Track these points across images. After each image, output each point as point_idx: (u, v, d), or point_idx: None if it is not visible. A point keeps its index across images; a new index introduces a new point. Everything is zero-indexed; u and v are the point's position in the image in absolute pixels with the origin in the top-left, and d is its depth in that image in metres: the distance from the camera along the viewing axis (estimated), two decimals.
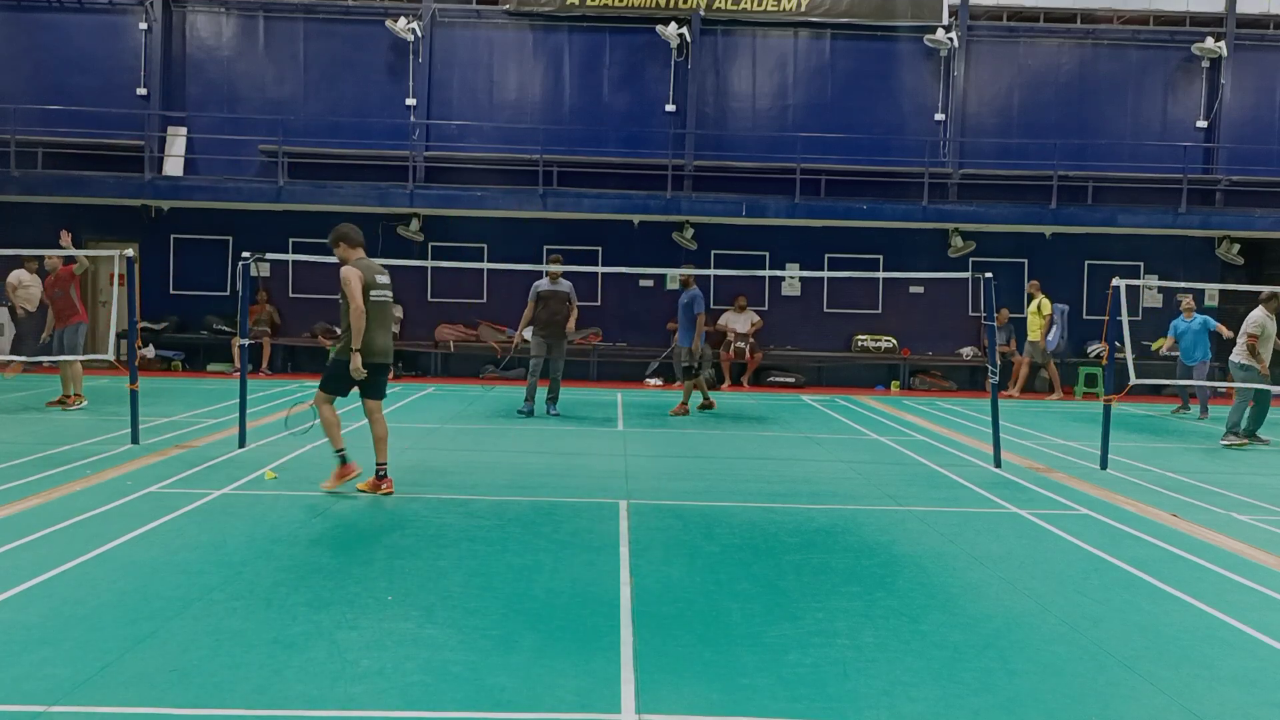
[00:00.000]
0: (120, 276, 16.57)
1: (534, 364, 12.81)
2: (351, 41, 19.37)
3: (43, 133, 18.25)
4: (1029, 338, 17.37)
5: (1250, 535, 6.85)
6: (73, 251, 12.20)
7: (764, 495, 7.91)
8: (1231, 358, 11.97)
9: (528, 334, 13.16)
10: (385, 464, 7.54)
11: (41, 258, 10.53)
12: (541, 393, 12.95)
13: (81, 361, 12.15)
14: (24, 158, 17.94)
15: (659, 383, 18.12)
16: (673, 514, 7.09)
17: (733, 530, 6.64)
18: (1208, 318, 15.04)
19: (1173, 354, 15.79)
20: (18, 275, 16.99)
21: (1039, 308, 17.14)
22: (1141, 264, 19.31)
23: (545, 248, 18.72)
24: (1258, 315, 11.78)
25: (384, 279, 7.62)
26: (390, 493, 7.41)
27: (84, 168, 18.24)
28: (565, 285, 12.90)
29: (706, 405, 13.86)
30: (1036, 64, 19.77)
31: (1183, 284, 14.73)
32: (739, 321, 18.38)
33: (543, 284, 12.79)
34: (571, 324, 13.04)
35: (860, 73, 19.58)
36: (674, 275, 18.25)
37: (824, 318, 19.51)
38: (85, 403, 12.23)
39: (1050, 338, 17.25)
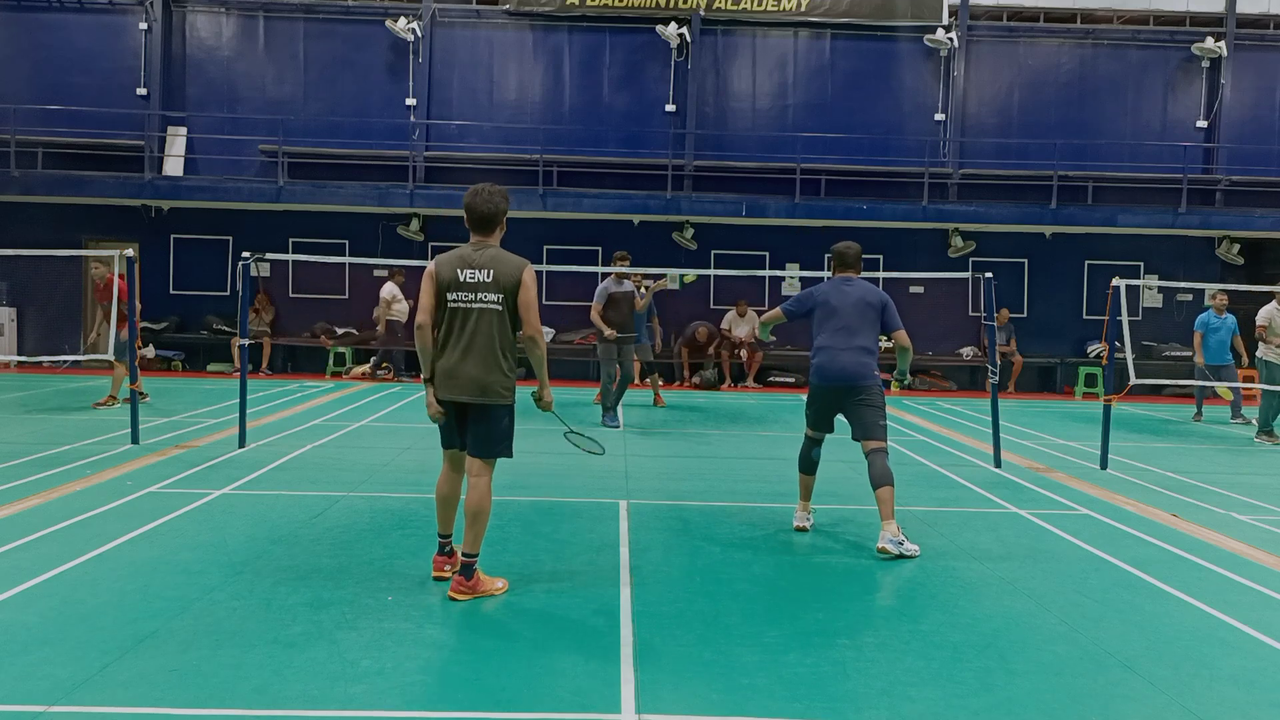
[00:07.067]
0: (120, 276, 16.56)
1: (608, 371, 11.89)
2: (351, 41, 19.37)
3: (43, 133, 18.24)
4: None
5: (1250, 535, 6.85)
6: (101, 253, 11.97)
7: (764, 495, 7.91)
8: (1259, 354, 12.28)
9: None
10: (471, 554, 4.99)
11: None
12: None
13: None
14: (24, 158, 17.93)
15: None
16: (673, 514, 7.09)
17: (733, 530, 6.65)
18: (1234, 320, 14.07)
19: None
20: (391, 289, 16.84)
21: None
22: (1141, 264, 19.31)
23: (545, 247, 18.73)
24: (1269, 308, 12.32)
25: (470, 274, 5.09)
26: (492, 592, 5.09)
27: (84, 168, 18.23)
28: (629, 285, 12.15)
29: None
30: (1036, 64, 19.77)
31: (1183, 284, 14.70)
32: (740, 327, 18.36)
33: (609, 284, 11.98)
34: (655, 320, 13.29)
35: (860, 73, 19.58)
36: (674, 275, 18.25)
37: None
38: (118, 404, 12.05)
39: None
